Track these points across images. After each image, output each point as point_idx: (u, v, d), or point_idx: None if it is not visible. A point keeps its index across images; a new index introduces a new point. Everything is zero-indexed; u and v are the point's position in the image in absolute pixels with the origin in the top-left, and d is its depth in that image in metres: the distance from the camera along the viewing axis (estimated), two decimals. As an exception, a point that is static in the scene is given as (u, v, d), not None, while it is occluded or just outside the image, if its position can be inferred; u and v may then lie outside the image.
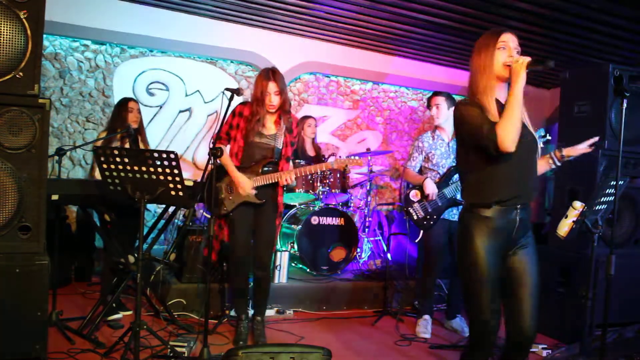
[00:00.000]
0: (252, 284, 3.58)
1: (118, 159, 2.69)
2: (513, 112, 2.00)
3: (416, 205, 3.81)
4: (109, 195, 2.83)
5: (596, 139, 2.50)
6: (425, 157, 3.86)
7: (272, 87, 3.18)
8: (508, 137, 1.97)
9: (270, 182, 3.25)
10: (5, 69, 2.33)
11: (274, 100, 3.20)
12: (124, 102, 3.96)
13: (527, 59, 2.02)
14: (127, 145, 3.86)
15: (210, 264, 3.05)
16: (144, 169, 2.68)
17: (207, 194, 2.99)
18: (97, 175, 3.72)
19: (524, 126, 2.13)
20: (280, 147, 3.32)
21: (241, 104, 3.32)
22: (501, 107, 2.10)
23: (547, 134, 3.65)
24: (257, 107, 3.22)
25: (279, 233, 3.48)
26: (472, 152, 2.15)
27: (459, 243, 2.22)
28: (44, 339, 2.42)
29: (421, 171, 3.91)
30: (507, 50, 2.12)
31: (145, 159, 2.67)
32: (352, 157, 3.27)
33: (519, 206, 2.14)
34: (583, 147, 2.44)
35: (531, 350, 3.51)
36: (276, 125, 3.32)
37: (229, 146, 3.35)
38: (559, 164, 2.44)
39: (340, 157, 3.31)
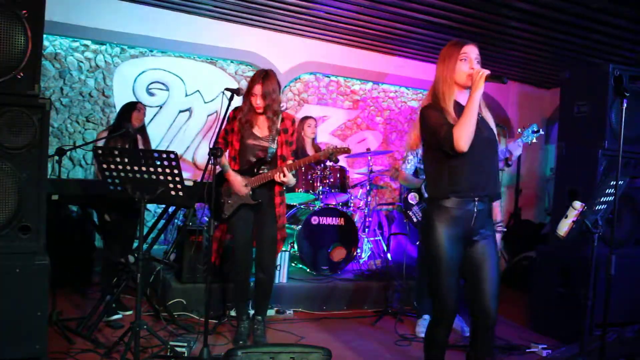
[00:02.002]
0: (252, 284, 3.58)
1: (118, 159, 2.69)
2: (469, 117, 2.20)
3: (415, 208, 3.82)
4: (109, 195, 2.83)
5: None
6: (420, 159, 3.86)
7: (257, 89, 3.20)
8: (462, 139, 2.19)
9: (264, 181, 3.26)
10: (5, 69, 2.33)
11: (258, 102, 3.22)
12: (133, 103, 4.05)
13: (487, 72, 2.22)
14: (126, 146, 3.86)
15: (210, 265, 3.05)
16: (144, 169, 2.69)
17: (209, 196, 2.98)
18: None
19: (483, 124, 2.35)
20: (275, 148, 3.32)
21: (234, 109, 3.32)
22: (460, 110, 2.29)
23: (540, 130, 3.65)
24: (244, 106, 3.27)
25: (284, 236, 3.46)
26: (433, 150, 2.37)
27: (422, 231, 2.46)
28: (44, 339, 2.42)
29: (417, 173, 3.91)
30: (468, 62, 2.32)
31: (145, 159, 2.67)
32: (339, 147, 3.33)
33: (476, 198, 2.32)
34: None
35: (531, 350, 3.54)
36: (269, 126, 3.33)
37: (227, 152, 3.37)
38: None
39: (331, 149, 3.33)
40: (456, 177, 2.30)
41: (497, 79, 2.23)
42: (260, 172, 3.29)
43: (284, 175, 3.18)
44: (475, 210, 2.32)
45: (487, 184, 2.35)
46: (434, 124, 2.30)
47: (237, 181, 3.26)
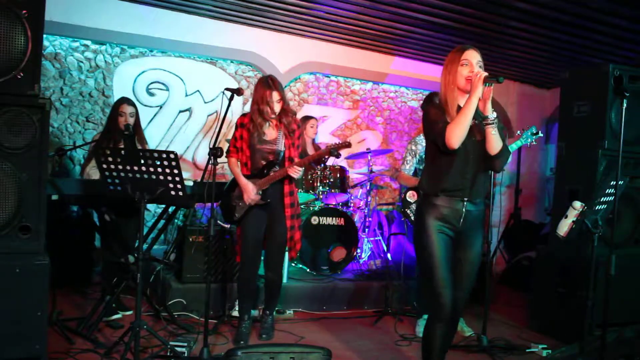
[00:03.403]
0: (260, 282, 3.63)
1: (118, 159, 2.69)
2: (464, 117, 2.27)
3: (413, 206, 3.83)
4: (109, 195, 2.83)
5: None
6: (419, 159, 3.87)
7: (275, 95, 3.30)
8: (454, 137, 2.27)
9: (273, 181, 3.34)
10: (5, 69, 2.33)
11: (276, 107, 3.32)
12: (117, 104, 3.88)
13: (485, 73, 2.28)
14: (121, 146, 3.83)
15: (211, 265, 3.05)
16: (143, 169, 2.69)
17: (209, 197, 3.00)
18: (90, 174, 3.73)
19: (479, 128, 2.39)
20: (283, 150, 3.40)
21: (241, 115, 3.45)
22: None
23: (539, 132, 3.67)
24: (258, 115, 3.33)
25: (298, 239, 3.53)
26: (430, 147, 2.47)
27: (414, 227, 2.56)
28: (44, 339, 2.42)
29: (416, 174, 3.92)
30: (468, 66, 2.38)
31: (145, 159, 2.67)
32: (340, 142, 3.41)
33: (465, 199, 2.40)
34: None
35: (531, 350, 3.53)
36: (276, 129, 3.42)
37: (238, 158, 3.46)
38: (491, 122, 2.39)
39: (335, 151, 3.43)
40: (447, 177, 2.39)
41: (493, 80, 2.27)
42: (271, 173, 3.37)
43: (296, 170, 3.28)
44: (464, 210, 2.40)
45: (476, 186, 2.42)
46: (432, 119, 2.40)
47: (249, 189, 3.33)
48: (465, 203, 2.41)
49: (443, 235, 2.41)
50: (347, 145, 3.41)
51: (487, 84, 2.29)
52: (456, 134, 2.27)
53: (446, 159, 2.38)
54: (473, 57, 2.39)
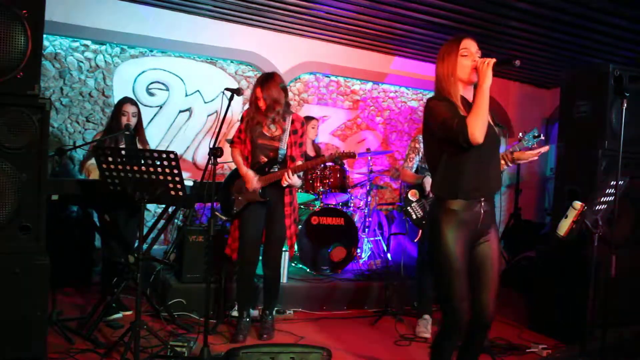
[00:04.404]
0: (260, 281, 3.64)
1: (118, 159, 2.69)
2: (482, 106, 2.10)
3: (415, 204, 3.83)
4: (109, 195, 2.83)
5: (546, 148, 2.63)
6: (422, 157, 3.88)
7: (258, 92, 3.33)
8: (477, 129, 2.08)
9: (273, 180, 3.34)
10: (5, 69, 2.33)
11: (261, 104, 3.33)
12: (120, 104, 3.89)
13: (493, 60, 2.13)
14: (122, 145, 3.83)
15: (211, 264, 3.05)
16: (143, 169, 2.69)
17: (220, 195, 3.02)
18: (90, 169, 3.73)
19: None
20: (285, 148, 3.39)
21: (247, 108, 3.47)
22: (468, 105, 2.20)
23: (541, 134, 3.69)
24: (250, 109, 3.41)
25: (294, 233, 3.54)
26: (439, 147, 2.26)
27: (429, 235, 2.36)
28: (44, 339, 2.42)
29: (417, 171, 3.92)
30: (469, 56, 2.23)
31: (145, 159, 2.67)
32: (345, 151, 3.40)
33: (482, 199, 2.26)
34: (532, 153, 2.57)
35: (531, 350, 3.53)
36: (279, 127, 3.40)
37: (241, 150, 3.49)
38: (511, 164, 2.58)
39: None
40: (464, 179, 2.21)
41: (506, 64, 2.11)
42: (271, 171, 3.37)
43: (289, 177, 3.25)
44: (482, 211, 2.26)
45: (493, 184, 2.31)
46: (444, 114, 2.17)
47: (250, 177, 3.35)
48: (482, 203, 2.25)
49: (461, 243, 2.22)
50: (352, 155, 3.36)
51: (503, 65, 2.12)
52: (479, 126, 2.07)
53: (462, 157, 2.18)
54: (472, 46, 2.23)
